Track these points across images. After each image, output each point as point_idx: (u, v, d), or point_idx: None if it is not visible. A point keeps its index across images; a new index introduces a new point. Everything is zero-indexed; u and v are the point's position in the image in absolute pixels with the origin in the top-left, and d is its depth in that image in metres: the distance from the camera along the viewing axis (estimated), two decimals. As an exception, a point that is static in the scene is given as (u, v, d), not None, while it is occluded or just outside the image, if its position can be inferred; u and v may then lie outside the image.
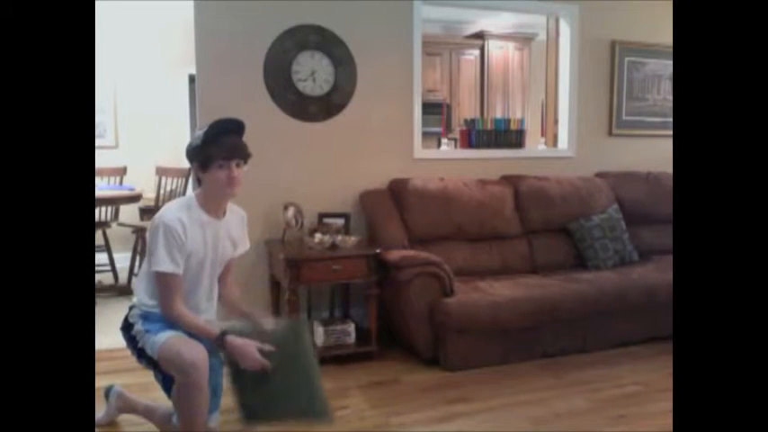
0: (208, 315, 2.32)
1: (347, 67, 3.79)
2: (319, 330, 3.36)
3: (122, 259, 5.13)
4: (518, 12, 5.47)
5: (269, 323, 2.26)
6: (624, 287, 3.56)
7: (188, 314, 2.13)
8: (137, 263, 4.80)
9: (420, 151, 4.06)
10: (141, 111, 5.85)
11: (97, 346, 2.83)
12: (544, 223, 4.04)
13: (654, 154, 4.71)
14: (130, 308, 2.26)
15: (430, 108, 5.65)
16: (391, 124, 3.95)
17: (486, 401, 2.87)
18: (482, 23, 7.06)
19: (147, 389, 2.62)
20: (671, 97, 4.77)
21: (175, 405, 2.13)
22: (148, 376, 2.32)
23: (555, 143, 4.81)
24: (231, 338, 2.09)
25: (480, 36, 7.02)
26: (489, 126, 4.34)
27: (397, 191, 3.79)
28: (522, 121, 4.47)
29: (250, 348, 2.09)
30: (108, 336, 3.20)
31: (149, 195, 5.15)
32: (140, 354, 2.18)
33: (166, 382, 2.20)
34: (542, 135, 5.87)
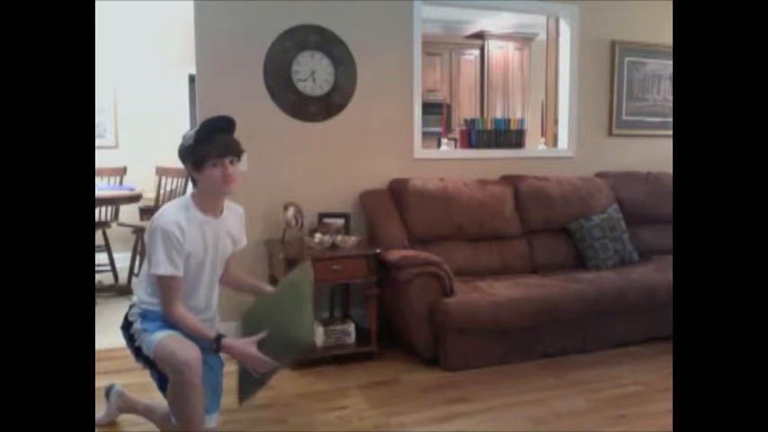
0: (209, 314, 2.33)
1: (347, 67, 3.79)
2: (319, 330, 3.36)
3: (122, 259, 5.14)
4: (518, 12, 5.47)
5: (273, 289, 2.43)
6: (624, 287, 3.56)
7: (188, 316, 2.14)
8: (137, 263, 4.81)
9: (420, 151, 4.06)
10: (141, 111, 5.85)
11: (97, 345, 2.83)
12: (544, 223, 4.04)
13: (654, 154, 4.71)
14: (131, 306, 2.27)
15: (430, 108, 5.65)
16: (391, 124, 3.95)
17: (486, 401, 2.87)
18: (482, 23, 7.06)
19: (146, 389, 2.62)
20: (671, 97, 4.77)
21: (170, 404, 2.14)
22: (148, 376, 2.32)
23: (555, 143, 4.82)
24: (227, 341, 2.12)
25: (480, 36, 7.02)
26: (489, 126, 4.34)
27: (397, 191, 3.79)
28: (522, 121, 4.47)
29: (249, 349, 2.10)
30: (108, 336, 3.20)
31: (149, 195, 5.15)
32: (138, 352, 2.19)
33: (162, 382, 2.20)
34: (542, 135, 5.88)
